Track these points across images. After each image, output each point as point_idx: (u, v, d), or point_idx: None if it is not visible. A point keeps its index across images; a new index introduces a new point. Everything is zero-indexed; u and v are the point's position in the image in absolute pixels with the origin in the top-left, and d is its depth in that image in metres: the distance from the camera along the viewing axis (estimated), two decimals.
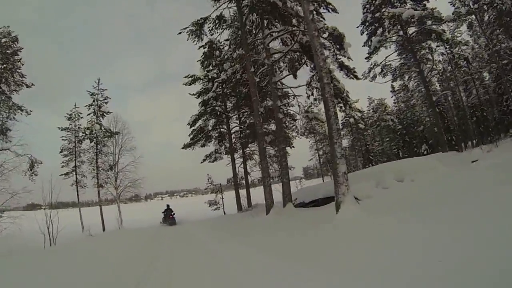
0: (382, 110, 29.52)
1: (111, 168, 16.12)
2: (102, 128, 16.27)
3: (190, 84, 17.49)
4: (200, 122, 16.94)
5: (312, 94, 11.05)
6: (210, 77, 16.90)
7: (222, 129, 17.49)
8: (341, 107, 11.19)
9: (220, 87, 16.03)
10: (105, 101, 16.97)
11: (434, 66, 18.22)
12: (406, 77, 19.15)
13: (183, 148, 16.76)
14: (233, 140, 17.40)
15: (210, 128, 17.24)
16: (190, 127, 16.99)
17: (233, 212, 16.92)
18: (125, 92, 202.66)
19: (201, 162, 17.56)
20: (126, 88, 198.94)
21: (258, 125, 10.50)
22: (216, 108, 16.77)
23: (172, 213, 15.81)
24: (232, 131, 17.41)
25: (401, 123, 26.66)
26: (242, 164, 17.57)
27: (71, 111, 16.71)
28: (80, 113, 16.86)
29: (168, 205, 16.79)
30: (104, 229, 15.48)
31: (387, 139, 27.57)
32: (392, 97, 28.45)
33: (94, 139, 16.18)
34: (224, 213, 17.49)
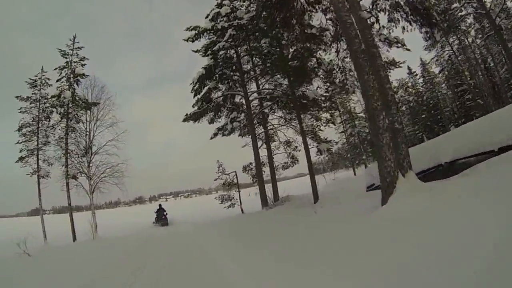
0: (404, 90, 25.35)
1: (86, 152, 11.75)
2: (76, 97, 11.94)
3: (193, 40, 13.05)
4: (208, 86, 12.43)
5: None
6: (220, 27, 12.47)
7: (236, 93, 13.01)
8: None
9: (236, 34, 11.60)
10: (82, 62, 12.66)
11: None
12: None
13: (184, 120, 12.34)
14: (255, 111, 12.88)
15: (221, 95, 12.80)
16: (194, 95, 12.57)
17: (254, 209, 12.39)
18: (124, 91, 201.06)
19: (212, 138, 13.12)
20: (125, 88, 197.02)
21: None
22: (231, 64, 12.31)
23: (165, 213, 14.98)
24: (252, 98, 12.89)
25: (426, 104, 24.23)
26: (263, 146, 13.09)
27: (36, 76, 12.42)
28: (49, 79, 12.58)
29: (160, 205, 15.91)
30: (75, 239, 11.07)
31: (410, 122, 24.97)
32: (415, 75, 25.55)
33: (63, 111, 11.84)
34: (242, 211, 12.94)
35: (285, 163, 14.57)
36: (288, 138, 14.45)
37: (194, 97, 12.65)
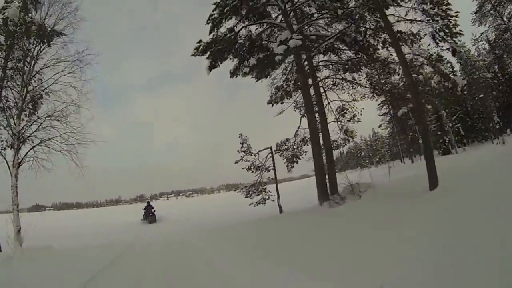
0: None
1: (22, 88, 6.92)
2: (27, 20, 7.53)
3: None
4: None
5: None
6: None
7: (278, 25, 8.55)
8: None
9: None
10: None
11: None
12: None
13: (197, 52, 7.91)
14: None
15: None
16: (211, 29, 8.11)
17: (296, 207, 7.87)
18: (129, 91, 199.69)
19: (232, 77, 8.69)
20: (130, 87, 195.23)
21: None
22: None
23: (153, 210, 14.71)
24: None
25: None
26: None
27: None
28: None
29: (148, 202, 15.94)
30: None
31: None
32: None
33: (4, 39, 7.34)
34: (281, 209, 8.41)
35: (334, 141, 10.04)
36: (342, 104, 9.95)
37: (210, 33, 8.22)
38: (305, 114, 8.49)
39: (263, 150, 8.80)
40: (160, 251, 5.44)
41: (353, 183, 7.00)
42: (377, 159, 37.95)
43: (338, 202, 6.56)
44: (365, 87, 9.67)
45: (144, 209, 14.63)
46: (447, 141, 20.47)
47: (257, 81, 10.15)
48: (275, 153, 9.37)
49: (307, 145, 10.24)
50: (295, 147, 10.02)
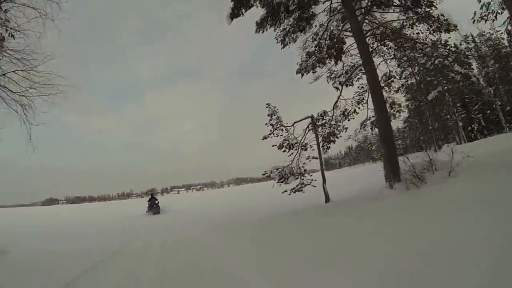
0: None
1: None
2: None
3: None
4: None
5: None
6: None
7: None
8: None
9: None
10: None
11: None
12: None
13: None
14: None
15: None
16: None
17: (341, 196, 5.75)
18: (140, 87, 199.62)
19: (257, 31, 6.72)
20: (139, 83, 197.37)
21: None
22: None
23: (157, 202, 14.93)
24: None
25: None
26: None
27: None
28: None
29: (152, 194, 15.97)
30: None
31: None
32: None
33: None
34: (328, 197, 6.31)
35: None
36: (389, 70, 7.74)
37: None
38: (363, 67, 6.32)
39: (300, 121, 6.64)
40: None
41: (428, 160, 4.82)
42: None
43: (416, 183, 4.44)
44: (425, 43, 7.39)
45: (148, 201, 14.98)
46: (475, 129, 19.73)
47: (283, 47, 8.46)
48: (309, 130, 7.18)
49: (348, 120, 8.14)
50: (333, 122, 7.85)
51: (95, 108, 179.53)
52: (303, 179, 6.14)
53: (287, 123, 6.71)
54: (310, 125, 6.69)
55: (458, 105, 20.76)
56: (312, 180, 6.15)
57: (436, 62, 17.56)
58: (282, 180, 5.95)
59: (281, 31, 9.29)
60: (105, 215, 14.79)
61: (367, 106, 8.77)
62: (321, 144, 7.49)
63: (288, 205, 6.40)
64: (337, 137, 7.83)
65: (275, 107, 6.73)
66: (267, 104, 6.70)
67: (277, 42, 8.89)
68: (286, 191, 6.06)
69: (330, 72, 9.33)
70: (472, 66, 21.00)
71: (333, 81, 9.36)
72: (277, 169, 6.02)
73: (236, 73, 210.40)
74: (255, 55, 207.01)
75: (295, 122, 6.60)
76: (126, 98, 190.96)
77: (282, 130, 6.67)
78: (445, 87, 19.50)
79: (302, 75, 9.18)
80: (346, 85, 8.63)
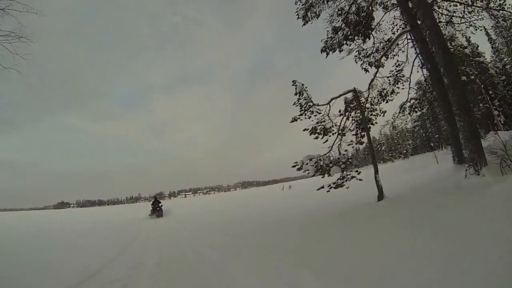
0: None
1: None
2: None
3: None
4: None
5: None
6: None
7: None
8: None
9: None
10: None
11: None
12: None
13: None
14: None
15: None
16: None
17: (402, 187, 4.17)
18: (150, 92, 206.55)
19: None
20: (151, 88, 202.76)
21: None
22: None
23: (160, 205, 15.26)
24: None
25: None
26: None
27: None
28: None
29: (155, 197, 16.35)
30: None
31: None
32: None
33: None
34: (382, 194, 4.59)
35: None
36: None
37: None
38: (423, 23, 4.77)
39: (338, 97, 5.10)
40: None
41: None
42: (404, 151, 38.42)
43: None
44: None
45: (152, 204, 15.27)
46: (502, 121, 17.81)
47: (304, 24, 7.78)
48: (349, 111, 5.64)
49: (386, 102, 6.63)
50: (367, 105, 6.30)
51: (108, 113, 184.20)
52: (348, 170, 4.56)
53: (316, 103, 5.16)
54: (351, 102, 5.12)
55: (490, 92, 19.10)
56: (357, 171, 4.57)
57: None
58: (320, 172, 4.38)
59: (302, 4, 8.12)
60: (103, 219, 13.49)
61: (409, 84, 7.32)
62: (355, 132, 5.92)
63: (325, 205, 4.82)
64: (372, 124, 6.31)
65: (303, 84, 5.23)
66: (293, 82, 5.22)
67: (298, 18, 7.97)
68: (322, 187, 4.51)
69: (359, 51, 8.22)
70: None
71: (362, 61, 8.21)
72: (310, 159, 4.47)
73: (244, 76, 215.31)
74: (264, 57, 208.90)
75: (332, 99, 5.06)
76: (137, 104, 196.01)
77: (312, 113, 5.14)
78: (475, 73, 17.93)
79: (327, 54, 8.12)
80: (381, 64, 7.15)
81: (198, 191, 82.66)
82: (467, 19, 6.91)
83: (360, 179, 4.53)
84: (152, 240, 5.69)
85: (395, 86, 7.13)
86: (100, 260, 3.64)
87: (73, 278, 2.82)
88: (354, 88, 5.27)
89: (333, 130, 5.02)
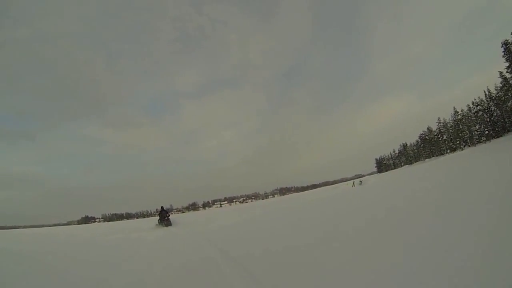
0: None
1: None
2: None
3: None
4: None
5: None
6: None
7: None
8: None
9: None
10: None
11: None
12: None
13: None
14: None
15: None
16: None
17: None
18: (177, 97, 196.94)
19: None
20: (178, 93, 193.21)
21: None
22: None
23: (167, 215, 16.39)
24: None
25: None
26: None
27: None
28: None
29: (162, 207, 17.20)
30: None
31: None
32: None
33: None
34: None
35: None
36: None
37: None
38: None
39: None
40: None
41: None
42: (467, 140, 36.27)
43: None
44: None
45: (158, 214, 16.77)
46: None
47: None
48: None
49: None
50: None
51: (133, 121, 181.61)
52: None
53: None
54: None
55: None
56: None
57: None
58: None
59: None
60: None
61: None
62: None
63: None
64: None
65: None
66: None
67: None
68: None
69: None
70: None
71: None
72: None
73: (279, 77, 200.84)
74: (298, 57, 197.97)
75: None
76: (164, 110, 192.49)
77: None
78: None
79: None
80: None
81: (234, 200, 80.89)
82: None
83: None
84: None
85: None
86: None
87: None
88: None
89: None
